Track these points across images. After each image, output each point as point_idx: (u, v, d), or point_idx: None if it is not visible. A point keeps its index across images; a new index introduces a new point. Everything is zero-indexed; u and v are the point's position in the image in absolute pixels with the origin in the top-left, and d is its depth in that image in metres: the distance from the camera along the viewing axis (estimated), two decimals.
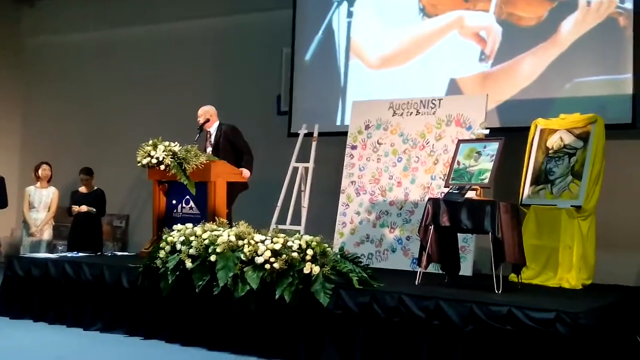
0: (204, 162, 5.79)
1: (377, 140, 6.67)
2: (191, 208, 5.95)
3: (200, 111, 6.44)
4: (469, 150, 5.16)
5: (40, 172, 7.43)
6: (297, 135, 7.14)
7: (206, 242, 4.91)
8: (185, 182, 5.77)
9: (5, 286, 5.93)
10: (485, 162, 5.01)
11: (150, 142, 5.91)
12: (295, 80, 7.74)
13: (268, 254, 4.68)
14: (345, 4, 7.57)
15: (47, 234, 7.30)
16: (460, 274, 5.22)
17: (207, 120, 6.41)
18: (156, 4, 9.07)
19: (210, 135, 6.43)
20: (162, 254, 5.06)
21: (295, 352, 4.60)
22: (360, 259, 4.89)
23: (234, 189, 6.16)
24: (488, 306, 4.05)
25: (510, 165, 5.70)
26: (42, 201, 7.33)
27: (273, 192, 6.91)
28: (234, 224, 5.15)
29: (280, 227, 6.36)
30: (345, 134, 6.94)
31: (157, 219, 6.07)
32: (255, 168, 6.35)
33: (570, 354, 3.77)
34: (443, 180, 5.73)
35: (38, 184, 7.41)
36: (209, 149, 6.33)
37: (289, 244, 4.70)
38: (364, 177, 6.66)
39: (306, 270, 4.57)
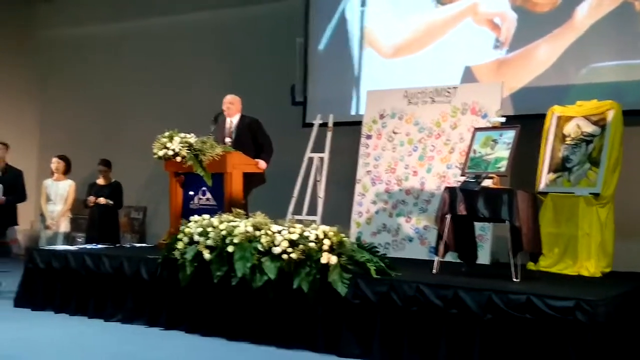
0: (220, 153, 5.81)
1: (393, 130, 6.66)
2: (208, 199, 5.98)
3: (225, 99, 6.45)
4: (485, 138, 5.13)
5: (51, 165, 7.49)
6: (312, 125, 7.14)
7: (223, 232, 4.94)
8: (201, 174, 5.79)
9: (27, 278, 5.99)
10: (501, 150, 4.98)
11: (166, 134, 5.93)
12: (309, 70, 7.74)
13: (285, 244, 4.70)
14: None
15: (63, 226, 7.35)
16: (477, 262, 5.22)
17: (223, 111, 6.42)
18: None
19: (231, 125, 6.43)
20: (180, 245, 5.10)
21: (313, 341, 4.62)
22: (377, 249, 4.90)
23: (251, 182, 6.18)
24: (507, 295, 4.04)
25: (526, 153, 5.67)
26: (58, 194, 7.37)
27: (289, 183, 6.92)
28: (250, 214, 5.17)
29: (297, 217, 6.38)
30: (360, 123, 6.93)
31: (174, 210, 6.10)
32: (271, 159, 6.36)
33: (590, 342, 3.77)
34: (459, 169, 5.71)
35: (54, 176, 7.48)
36: (228, 140, 6.33)
37: (306, 234, 4.72)
38: (379, 167, 6.66)
39: (323, 261, 4.58)
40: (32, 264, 5.96)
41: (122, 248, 6.58)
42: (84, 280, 5.68)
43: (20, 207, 7.46)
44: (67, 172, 7.52)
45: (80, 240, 7.00)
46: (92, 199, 7.32)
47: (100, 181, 7.51)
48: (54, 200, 7.36)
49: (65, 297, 5.75)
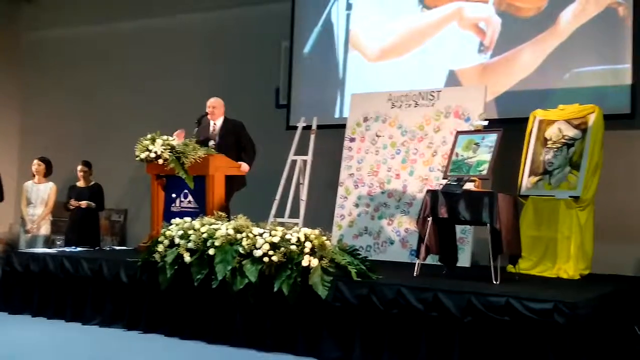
0: (202, 156, 5.78)
1: (376, 133, 6.66)
2: (189, 202, 5.94)
3: (208, 102, 6.43)
4: (468, 141, 5.15)
5: (32, 167, 7.40)
6: (296, 128, 7.13)
7: (204, 235, 4.92)
8: (183, 176, 5.76)
9: (4, 281, 5.93)
10: (483, 154, 5.00)
11: (149, 136, 5.89)
12: (294, 73, 7.72)
13: (266, 247, 4.68)
14: None
15: (44, 229, 7.25)
16: (458, 265, 5.22)
17: (206, 114, 6.40)
18: None
19: (215, 128, 6.41)
20: (160, 248, 5.07)
21: (294, 344, 4.61)
22: (358, 251, 4.90)
23: (233, 185, 6.15)
24: (486, 297, 4.05)
25: (508, 156, 5.69)
26: (39, 196, 7.28)
27: (271, 186, 6.90)
28: (232, 217, 5.15)
29: (279, 220, 6.35)
30: (343, 126, 6.93)
31: (155, 213, 6.06)
32: (254, 161, 6.34)
33: (568, 344, 3.78)
34: (441, 172, 5.72)
35: (35, 179, 7.39)
36: (211, 142, 6.31)
37: (288, 236, 4.71)
38: (362, 170, 6.66)
39: (304, 263, 4.57)
40: (9, 267, 5.89)
41: (102, 251, 6.53)
42: (62, 284, 5.63)
43: None
44: (48, 174, 7.43)
45: (59, 242, 6.92)
46: (74, 202, 7.24)
47: (81, 183, 7.44)
48: (34, 203, 7.26)
49: (43, 301, 5.70)
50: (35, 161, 7.41)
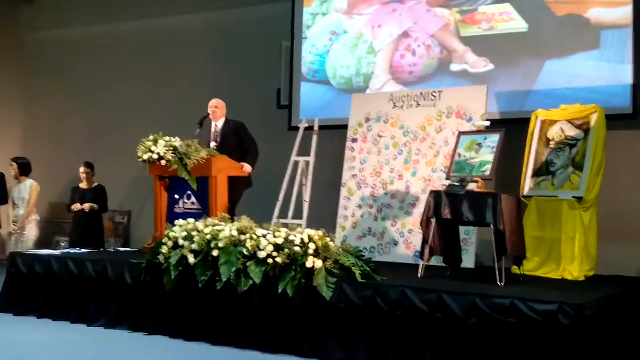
0: (205, 157, 5.79)
1: (378, 133, 6.67)
2: (193, 203, 5.95)
3: (210, 103, 6.44)
4: (470, 142, 5.15)
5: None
6: (298, 128, 7.14)
7: (208, 237, 4.92)
8: (186, 177, 5.77)
9: (9, 283, 5.93)
10: (486, 154, 5.01)
11: (151, 137, 5.90)
12: (295, 73, 7.73)
13: (270, 248, 4.68)
14: None
15: (28, 229, 7.08)
16: (462, 266, 5.23)
17: (208, 115, 6.41)
18: None
19: (216, 129, 6.42)
20: (164, 249, 5.07)
21: (298, 346, 4.62)
22: (362, 253, 4.90)
23: (238, 187, 6.16)
24: (490, 298, 4.05)
25: (511, 156, 5.70)
26: (20, 197, 7.14)
27: (274, 187, 6.91)
28: (235, 218, 5.16)
29: (282, 221, 6.35)
30: (345, 127, 6.93)
31: (158, 214, 6.07)
32: (257, 162, 6.35)
33: (572, 345, 3.79)
34: (444, 172, 5.73)
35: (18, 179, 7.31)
36: (213, 144, 6.32)
37: (291, 238, 4.71)
38: (365, 170, 6.66)
39: (308, 264, 4.58)
40: (14, 269, 5.90)
41: (106, 252, 6.54)
42: (67, 285, 5.64)
43: (3, 210, 7.36)
44: (23, 173, 7.22)
45: (64, 244, 6.90)
46: (77, 205, 7.23)
47: (83, 184, 7.44)
48: (17, 204, 7.17)
49: (48, 302, 5.70)
50: (12, 162, 7.32)
